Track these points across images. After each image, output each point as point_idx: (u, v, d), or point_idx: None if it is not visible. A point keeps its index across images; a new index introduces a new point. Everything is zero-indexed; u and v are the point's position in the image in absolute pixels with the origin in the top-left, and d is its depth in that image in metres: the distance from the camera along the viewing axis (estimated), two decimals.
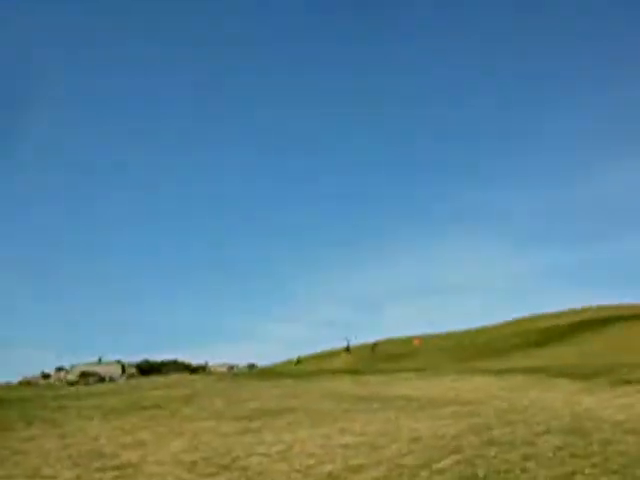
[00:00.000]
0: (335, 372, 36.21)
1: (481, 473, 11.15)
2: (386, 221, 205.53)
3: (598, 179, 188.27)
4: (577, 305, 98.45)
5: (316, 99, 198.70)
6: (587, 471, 10.99)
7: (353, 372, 35.00)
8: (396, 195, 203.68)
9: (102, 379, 40.71)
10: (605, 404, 18.30)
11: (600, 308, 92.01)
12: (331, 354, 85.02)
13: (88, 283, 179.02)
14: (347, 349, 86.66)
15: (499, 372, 28.55)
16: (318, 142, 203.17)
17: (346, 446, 13.83)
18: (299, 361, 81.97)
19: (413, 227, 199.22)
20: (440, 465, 11.84)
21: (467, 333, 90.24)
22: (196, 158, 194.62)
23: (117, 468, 13.08)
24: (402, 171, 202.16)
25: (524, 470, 11.24)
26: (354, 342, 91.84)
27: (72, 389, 33.56)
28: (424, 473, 11.38)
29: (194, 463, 13.09)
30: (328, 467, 12.08)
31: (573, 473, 10.90)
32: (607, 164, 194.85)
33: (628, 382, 22.66)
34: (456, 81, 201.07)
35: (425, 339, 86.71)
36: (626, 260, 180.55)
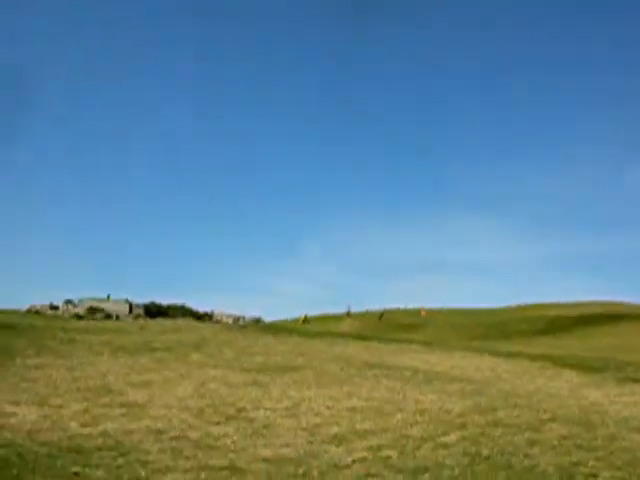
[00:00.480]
0: (343, 336, 36.36)
1: (485, 452, 11.23)
2: (405, 194, 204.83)
3: (626, 171, 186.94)
4: (586, 298, 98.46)
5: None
6: (591, 463, 11.04)
7: (361, 338, 35.12)
8: (417, 171, 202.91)
9: (109, 316, 40.85)
10: (612, 400, 18.33)
11: (610, 304, 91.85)
12: (336, 318, 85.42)
13: (98, 221, 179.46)
14: (348, 314, 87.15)
15: (506, 355, 28.61)
16: (346, 107, 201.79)
17: (353, 410, 13.94)
18: (306, 320, 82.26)
19: (432, 204, 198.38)
20: (445, 440, 11.93)
21: (476, 312, 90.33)
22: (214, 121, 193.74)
23: (124, 406, 13.24)
24: (424, 147, 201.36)
25: (528, 455, 11.31)
26: (361, 309, 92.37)
27: (81, 323, 33.84)
28: (428, 445, 11.48)
29: (201, 410, 13.23)
30: (334, 429, 12.20)
31: (577, 464, 10.95)
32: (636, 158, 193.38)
33: (635, 380, 22.69)
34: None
35: (434, 313, 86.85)
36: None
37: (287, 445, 10.96)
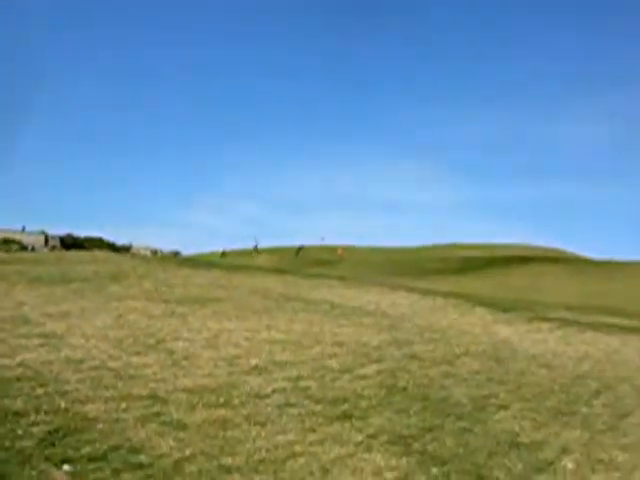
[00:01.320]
0: (261, 270, 36.40)
1: (402, 384, 11.49)
2: (328, 131, 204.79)
3: (543, 122, 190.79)
4: (499, 240, 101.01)
5: None
6: (502, 396, 11.45)
7: (279, 272, 35.24)
8: (340, 107, 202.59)
9: (24, 248, 39.98)
10: (522, 337, 18.93)
11: (521, 247, 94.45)
12: (249, 252, 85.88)
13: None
14: (255, 249, 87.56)
15: (421, 292, 29.10)
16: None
17: (272, 342, 14.01)
18: (224, 254, 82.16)
19: (354, 141, 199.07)
20: (363, 371, 12.14)
21: (392, 250, 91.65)
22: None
23: (42, 336, 12.97)
24: (345, 82, 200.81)
25: (443, 387, 11.63)
26: (278, 244, 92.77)
27: None
28: (347, 377, 11.66)
29: (120, 340, 13.07)
30: (254, 360, 12.25)
31: (489, 396, 11.34)
32: (555, 108, 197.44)
33: (544, 319, 23.45)
34: None
35: (350, 250, 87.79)
36: (554, 204, 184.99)
37: (207, 375, 10.97)
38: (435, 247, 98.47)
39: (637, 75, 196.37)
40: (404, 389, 11.21)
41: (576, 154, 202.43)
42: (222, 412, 9.19)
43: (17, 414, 8.34)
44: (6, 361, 10.91)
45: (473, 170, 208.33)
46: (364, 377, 11.74)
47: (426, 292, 29.18)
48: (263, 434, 8.50)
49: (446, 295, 28.32)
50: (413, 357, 13.83)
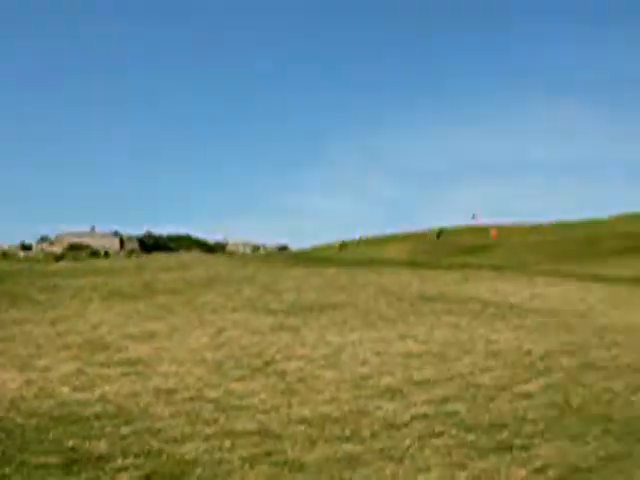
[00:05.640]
0: (391, 263, 36.43)
1: (576, 402, 11.38)
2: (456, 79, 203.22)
3: None
4: None
5: None
6: None
7: (414, 265, 35.21)
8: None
9: (95, 253, 41.12)
10: None
11: None
12: (381, 240, 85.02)
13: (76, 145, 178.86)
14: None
15: (599, 279, 28.56)
16: None
17: (408, 355, 14.15)
18: (343, 246, 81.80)
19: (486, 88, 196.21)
20: (526, 388, 12.09)
21: (559, 227, 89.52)
22: None
23: (125, 363, 13.45)
24: None
25: (629, 404, 11.41)
26: (410, 228, 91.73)
27: (61, 264, 34.19)
28: (505, 395, 11.65)
29: (219, 363, 13.44)
30: (386, 379, 12.39)
31: None
32: None
33: None
34: None
35: (503, 230, 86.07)
36: None
37: (329, 402, 11.14)
38: (616, 219, 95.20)
39: None
40: (579, 409, 11.09)
41: None
42: (349, 447, 9.27)
43: (101, 458, 8.65)
44: (84, 395, 11.38)
45: None
46: (527, 395, 11.69)
47: (605, 280, 28.61)
48: (400, 472, 8.55)
49: (633, 282, 27.71)
50: (590, 367, 13.69)
